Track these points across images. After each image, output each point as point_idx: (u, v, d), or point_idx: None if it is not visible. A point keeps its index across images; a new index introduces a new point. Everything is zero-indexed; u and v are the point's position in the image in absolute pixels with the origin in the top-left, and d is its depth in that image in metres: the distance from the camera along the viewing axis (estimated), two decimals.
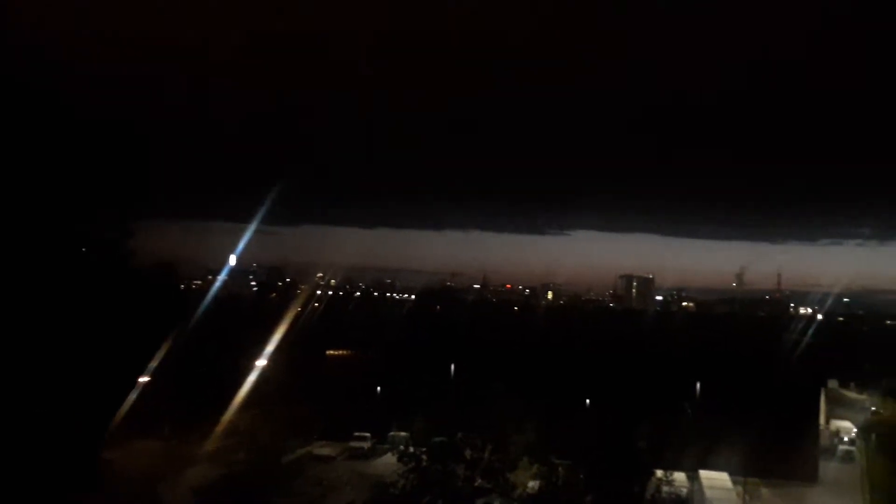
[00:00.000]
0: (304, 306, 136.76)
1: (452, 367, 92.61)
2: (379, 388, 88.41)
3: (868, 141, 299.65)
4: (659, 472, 55.12)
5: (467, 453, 51.08)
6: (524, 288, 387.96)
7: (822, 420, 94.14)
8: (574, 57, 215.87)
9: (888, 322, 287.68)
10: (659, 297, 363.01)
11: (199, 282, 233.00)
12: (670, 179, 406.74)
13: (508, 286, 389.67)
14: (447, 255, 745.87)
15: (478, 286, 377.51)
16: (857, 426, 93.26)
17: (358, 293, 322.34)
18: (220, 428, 69.96)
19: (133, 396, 63.24)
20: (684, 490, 60.03)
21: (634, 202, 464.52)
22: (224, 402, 71.48)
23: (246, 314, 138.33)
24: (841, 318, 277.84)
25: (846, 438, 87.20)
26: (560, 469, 50.88)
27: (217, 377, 76.04)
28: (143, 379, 65.53)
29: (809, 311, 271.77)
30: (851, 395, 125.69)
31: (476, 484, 48.78)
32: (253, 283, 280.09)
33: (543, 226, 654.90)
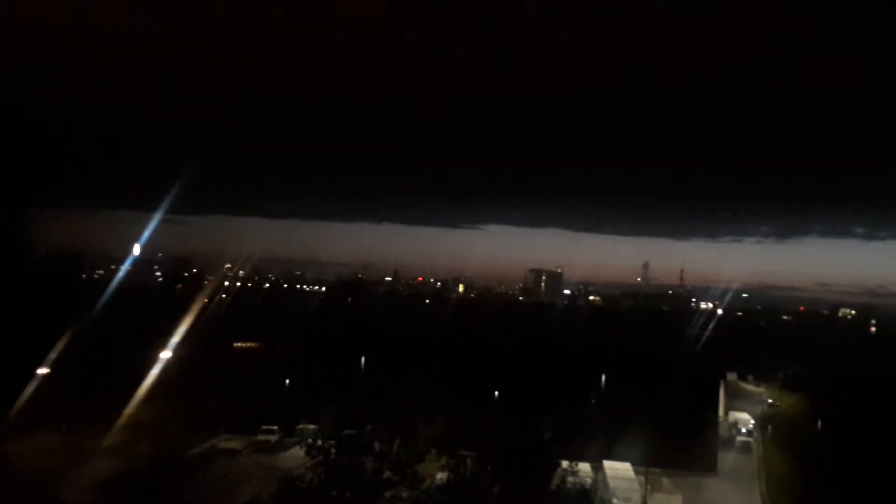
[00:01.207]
0: (211, 297, 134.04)
1: (363, 359, 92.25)
2: (288, 381, 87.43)
3: (768, 143, 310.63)
4: (564, 463, 56.01)
5: (376, 446, 50.90)
6: (436, 281, 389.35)
7: (721, 412, 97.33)
8: (489, 54, 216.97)
9: (784, 317, 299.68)
10: (567, 292, 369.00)
11: (101, 272, 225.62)
12: (580, 176, 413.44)
13: (420, 279, 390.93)
14: (359, 247, 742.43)
15: (389, 279, 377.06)
16: (754, 418, 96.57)
17: (267, 285, 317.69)
18: (121, 421, 67.87)
19: (31, 388, 60.95)
20: (588, 480, 61.12)
21: (546, 198, 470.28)
22: (127, 394, 69.42)
23: (151, 305, 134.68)
24: (740, 313, 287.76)
25: (744, 430, 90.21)
26: (468, 461, 51.16)
27: (120, 369, 73.82)
28: (42, 371, 63.25)
29: (710, 305, 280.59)
30: (749, 387, 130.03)
31: (384, 476, 48.59)
32: (158, 274, 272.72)
33: (456, 220, 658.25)
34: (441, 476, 51.41)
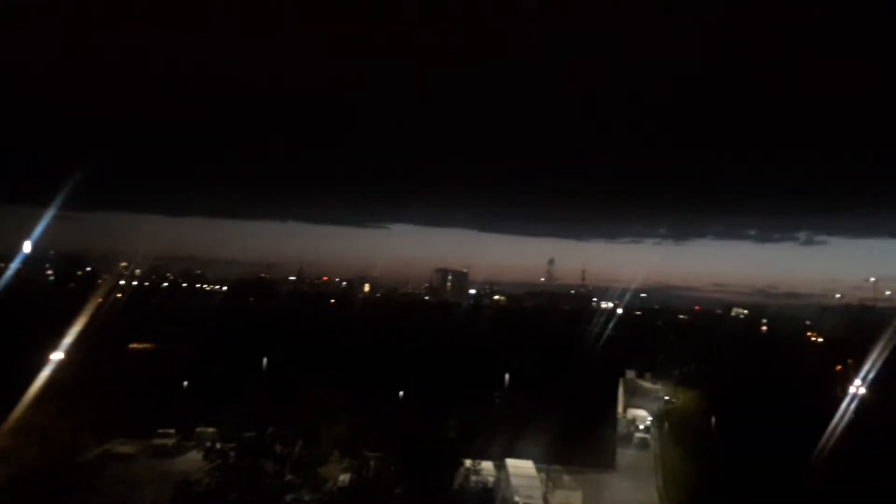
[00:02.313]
0: (105, 297, 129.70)
1: (264, 360, 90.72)
2: (186, 383, 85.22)
3: (666, 146, 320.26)
4: (467, 462, 56.23)
5: (277, 448, 50.07)
6: (341, 280, 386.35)
7: (620, 409, 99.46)
8: (394, 50, 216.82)
9: (680, 316, 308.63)
10: (472, 291, 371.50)
11: None
12: (485, 176, 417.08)
13: (325, 278, 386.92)
14: (262, 245, 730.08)
15: (293, 278, 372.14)
16: (651, 414, 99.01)
17: (166, 284, 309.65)
18: (7, 426, 64.79)
19: None
20: (491, 479, 61.47)
21: (453, 197, 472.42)
22: (14, 398, 66.33)
23: (41, 304, 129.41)
24: (638, 312, 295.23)
25: (642, 426, 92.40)
26: (371, 462, 50.82)
27: (7, 371, 70.53)
28: None
29: (611, 305, 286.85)
30: (647, 384, 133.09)
31: (286, 479, 47.84)
32: (49, 272, 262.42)
33: (363, 219, 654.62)
34: (344, 478, 50.91)
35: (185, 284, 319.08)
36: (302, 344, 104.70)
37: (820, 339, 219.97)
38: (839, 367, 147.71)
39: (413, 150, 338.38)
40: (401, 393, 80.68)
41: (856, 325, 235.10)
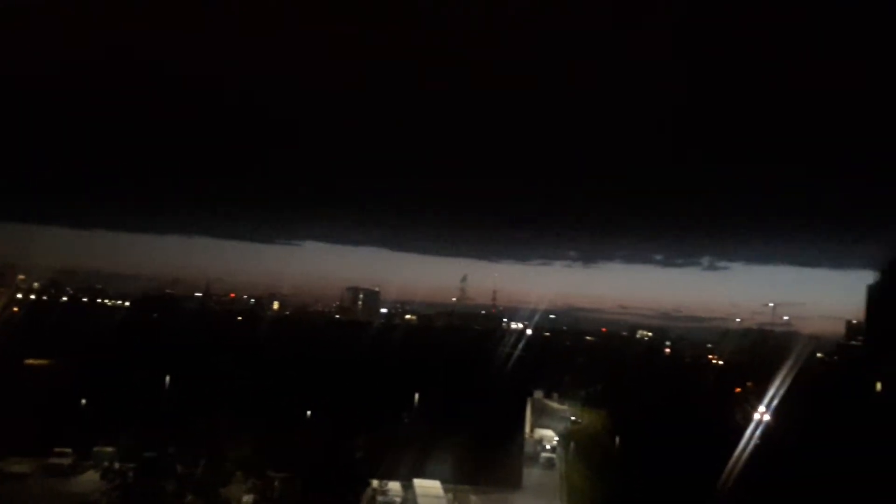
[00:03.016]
0: (0, 310, 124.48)
1: (167, 378, 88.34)
2: (84, 401, 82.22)
3: (576, 171, 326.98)
4: (375, 482, 55.94)
5: (179, 468, 48.99)
6: (249, 297, 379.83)
7: (527, 429, 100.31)
8: (314, 70, 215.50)
9: (588, 337, 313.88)
10: (384, 310, 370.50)
11: None
12: (398, 195, 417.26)
13: (233, 295, 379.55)
14: (168, 260, 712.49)
15: (199, 294, 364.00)
16: (558, 434, 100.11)
17: (65, 298, 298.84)
18: None
19: None
20: (398, 499, 61.26)
21: (364, 216, 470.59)
22: None
23: None
24: (547, 333, 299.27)
25: (548, 446, 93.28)
26: (276, 482, 50.12)
27: None
28: None
29: (520, 325, 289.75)
30: (554, 405, 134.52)
31: (187, 500, 46.78)
32: None
33: (273, 235, 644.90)
34: (247, 498, 50.06)
35: (85, 299, 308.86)
36: (207, 362, 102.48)
37: (720, 362, 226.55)
38: (738, 389, 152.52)
39: (324, 168, 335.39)
40: (308, 413, 79.58)
41: (755, 349, 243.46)
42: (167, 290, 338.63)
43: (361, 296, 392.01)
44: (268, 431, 62.65)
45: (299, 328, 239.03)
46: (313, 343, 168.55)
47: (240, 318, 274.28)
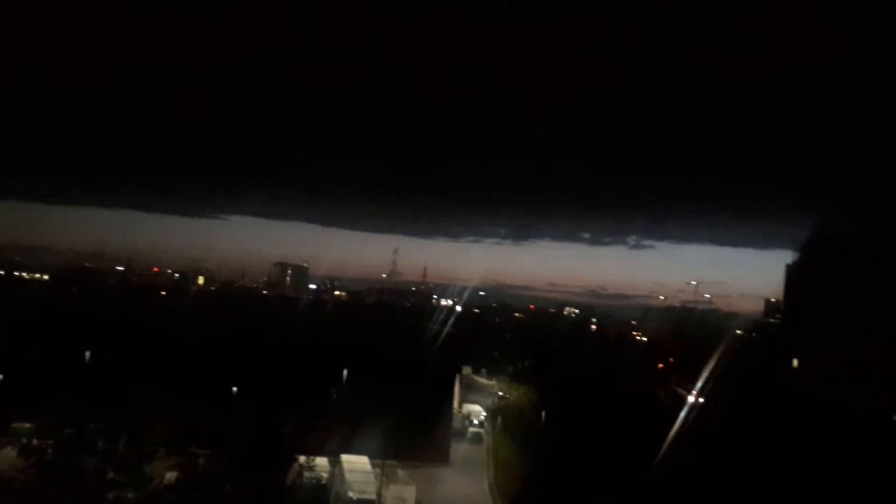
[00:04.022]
0: None
1: (87, 354, 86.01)
2: (1, 376, 79.58)
3: (508, 151, 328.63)
4: (301, 458, 55.54)
5: (100, 445, 48.01)
6: (174, 272, 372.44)
7: (456, 404, 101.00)
8: (249, 38, 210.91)
9: (516, 314, 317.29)
10: (313, 286, 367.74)
11: None
12: (328, 170, 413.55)
13: (156, 269, 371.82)
14: (89, 233, 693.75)
15: (121, 268, 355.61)
16: (486, 409, 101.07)
17: None
18: None
19: None
20: (325, 475, 60.98)
21: (294, 191, 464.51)
22: None
23: None
24: (477, 310, 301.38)
25: (476, 421, 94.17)
26: (200, 459, 49.41)
27: None
28: None
29: (450, 302, 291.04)
30: (483, 380, 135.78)
31: (108, 478, 45.78)
32: None
33: (199, 209, 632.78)
34: (171, 476, 49.14)
35: (2, 272, 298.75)
36: (128, 337, 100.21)
37: (644, 339, 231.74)
38: (661, 365, 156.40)
39: (252, 140, 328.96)
40: (234, 389, 78.52)
41: (677, 326, 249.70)
42: (87, 265, 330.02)
43: (290, 271, 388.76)
44: (192, 408, 61.67)
45: (225, 304, 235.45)
46: (239, 319, 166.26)
47: (163, 292, 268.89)
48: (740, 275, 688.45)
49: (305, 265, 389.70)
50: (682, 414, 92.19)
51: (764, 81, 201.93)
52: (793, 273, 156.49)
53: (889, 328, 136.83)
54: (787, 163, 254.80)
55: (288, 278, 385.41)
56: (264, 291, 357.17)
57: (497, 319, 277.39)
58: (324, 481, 58.66)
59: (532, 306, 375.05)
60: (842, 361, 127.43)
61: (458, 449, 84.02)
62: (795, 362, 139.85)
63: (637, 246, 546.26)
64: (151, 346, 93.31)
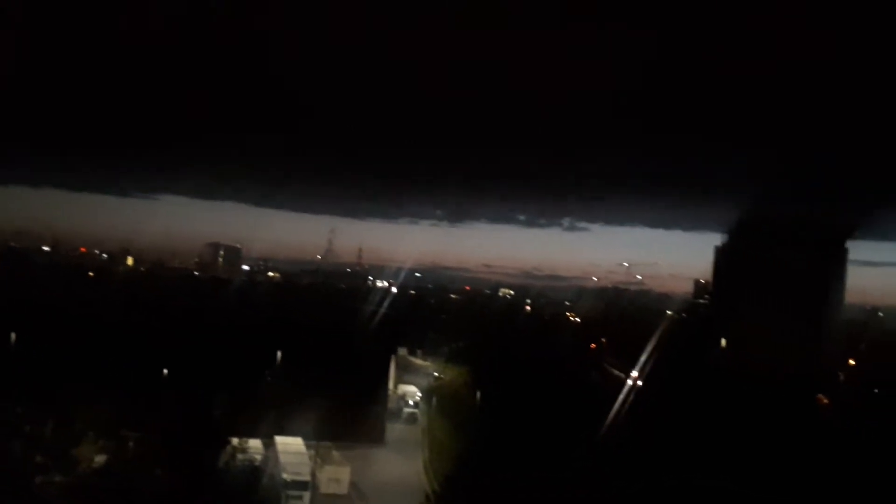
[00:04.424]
0: None
1: (13, 336, 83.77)
2: None
3: (443, 132, 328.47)
4: (235, 441, 55.13)
5: (26, 429, 47.07)
6: (102, 252, 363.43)
7: (391, 385, 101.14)
8: (173, 20, 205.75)
9: (452, 296, 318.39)
10: (246, 267, 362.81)
11: None
12: (262, 149, 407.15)
13: (83, 250, 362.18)
14: (12, 212, 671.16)
15: (47, 248, 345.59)
16: (421, 390, 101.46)
17: None
18: None
19: None
20: (259, 457, 60.65)
21: (226, 169, 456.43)
22: None
23: None
24: (413, 292, 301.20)
25: (411, 402, 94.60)
26: (130, 442, 48.70)
27: None
28: None
29: (386, 284, 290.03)
30: (418, 361, 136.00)
31: (35, 461, 44.86)
32: None
33: (127, 188, 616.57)
34: (99, 458, 48.37)
35: None
36: (55, 319, 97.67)
37: (577, 319, 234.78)
38: (593, 346, 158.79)
39: (182, 117, 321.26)
40: (165, 371, 77.27)
41: (609, 307, 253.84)
42: (10, 244, 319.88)
43: (222, 252, 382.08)
44: (122, 390, 60.62)
45: (156, 284, 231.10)
46: (170, 300, 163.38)
47: (91, 273, 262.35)
48: (672, 256, 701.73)
49: (238, 246, 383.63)
50: (614, 394, 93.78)
51: (695, 65, 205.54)
52: (721, 254, 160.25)
53: (811, 307, 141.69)
54: (718, 146, 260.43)
55: (220, 259, 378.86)
56: (196, 272, 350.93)
57: (433, 301, 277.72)
58: (257, 463, 58.42)
59: (468, 287, 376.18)
60: (767, 340, 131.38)
61: (394, 429, 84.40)
62: (724, 342, 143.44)
63: (572, 228, 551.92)
64: (79, 328, 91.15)
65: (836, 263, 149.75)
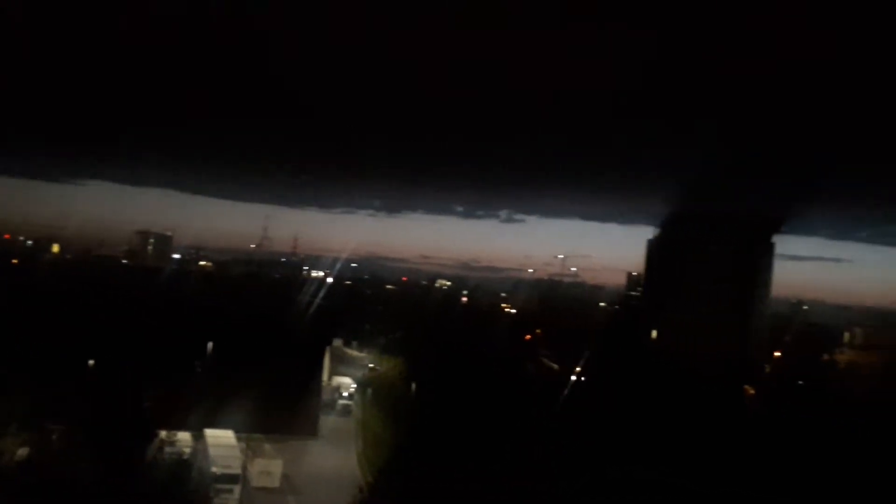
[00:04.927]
0: None
1: None
2: None
3: (384, 122, 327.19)
4: (163, 433, 53.91)
5: None
6: (26, 239, 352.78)
7: (325, 377, 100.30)
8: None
9: (389, 286, 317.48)
10: (177, 256, 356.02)
11: None
12: (195, 135, 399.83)
13: (7, 236, 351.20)
14: None
15: None
16: (356, 382, 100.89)
17: None
18: None
19: None
20: (188, 449, 59.41)
21: (158, 155, 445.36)
22: None
23: None
24: (349, 282, 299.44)
25: (346, 393, 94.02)
26: (54, 435, 47.12)
27: None
28: None
29: (322, 274, 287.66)
30: (354, 353, 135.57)
31: None
32: None
33: (54, 173, 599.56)
34: (22, 451, 46.72)
35: None
36: None
37: (513, 311, 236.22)
38: (528, 336, 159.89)
39: (112, 100, 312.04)
40: (91, 362, 75.14)
41: (545, 298, 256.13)
42: None
43: (152, 240, 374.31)
44: (47, 382, 58.80)
45: (82, 272, 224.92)
46: (98, 288, 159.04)
47: (14, 261, 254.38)
48: (606, 249, 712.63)
49: (169, 234, 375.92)
50: (548, 385, 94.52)
51: (624, 60, 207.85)
52: (653, 247, 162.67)
53: (739, 300, 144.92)
54: (650, 141, 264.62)
55: (150, 247, 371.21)
56: (125, 261, 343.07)
57: (369, 291, 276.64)
58: (186, 457, 57.18)
59: (405, 278, 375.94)
60: (696, 332, 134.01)
61: (328, 421, 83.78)
62: (654, 333, 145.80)
63: (509, 220, 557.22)
64: (1, 317, 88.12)
65: (763, 257, 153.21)
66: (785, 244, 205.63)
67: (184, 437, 60.89)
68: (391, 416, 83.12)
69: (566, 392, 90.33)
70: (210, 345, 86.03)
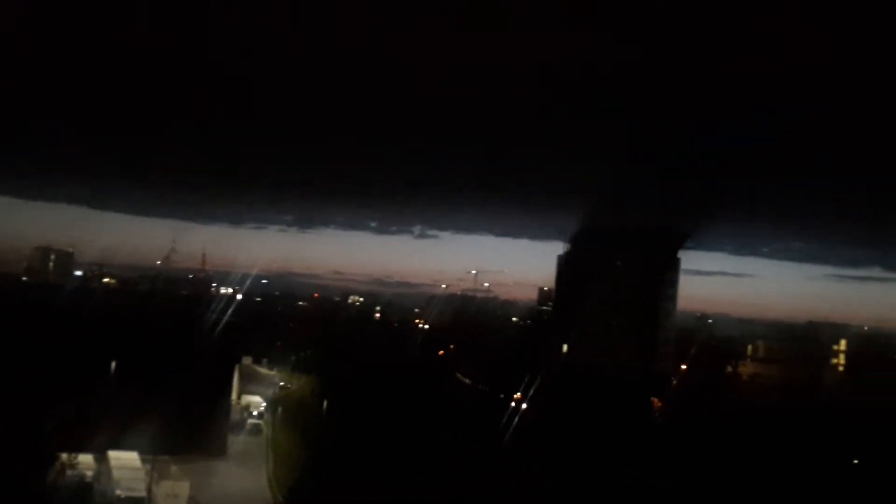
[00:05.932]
0: None
1: None
2: None
3: (295, 138, 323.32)
4: (64, 456, 52.02)
5: None
6: None
7: (234, 396, 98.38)
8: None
9: (300, 303, 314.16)
10: (79, 273, 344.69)
11: None
12: (97, 146, 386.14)
13: None
14: None
15: None
16: (266, 400, 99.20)
17: None
18: None
19: None
20: (90, 472, 57.41)
21: (59, 168, 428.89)
22: None
23: None
24: (259, 299, 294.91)
25: (255, 412, 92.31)
26: None
27: None
28: None
29: (231, 290, 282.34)
30: (264, 370, 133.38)
31: None
32: None
33: None
34: None
35: None
36: None
37: (426, 326, 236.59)
38: (441, 352, 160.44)
39: (8, 108, 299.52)
40: None
41: (457, 314, 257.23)
42: None
43: (53, 257, 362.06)
44: None
45: None
46: None
47: None
48: (518, 264, 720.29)
49: (70, 250, 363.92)
50: (461, 399, 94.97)
51: (538, 74, 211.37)
52: (563, 263, 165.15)
53: (646, 314, 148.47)
54: (560, 157, 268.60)
55: (51, 264, 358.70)
56: (24, 278, 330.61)
57: (280, 308, 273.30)
58: (88, 479, 55.37)
59: (317, 294, 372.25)
60: (605, 346, 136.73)
61: (237, 441, 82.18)
62: (565, 347, 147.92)
63: (422, 235, 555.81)
64: None
65: (669, 272, 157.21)
66: (690, 259, 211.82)
67: (86, 459, 58.90)
68: (302, 435, 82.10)
69: (479, 406, 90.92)
70: (114, 364, 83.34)
